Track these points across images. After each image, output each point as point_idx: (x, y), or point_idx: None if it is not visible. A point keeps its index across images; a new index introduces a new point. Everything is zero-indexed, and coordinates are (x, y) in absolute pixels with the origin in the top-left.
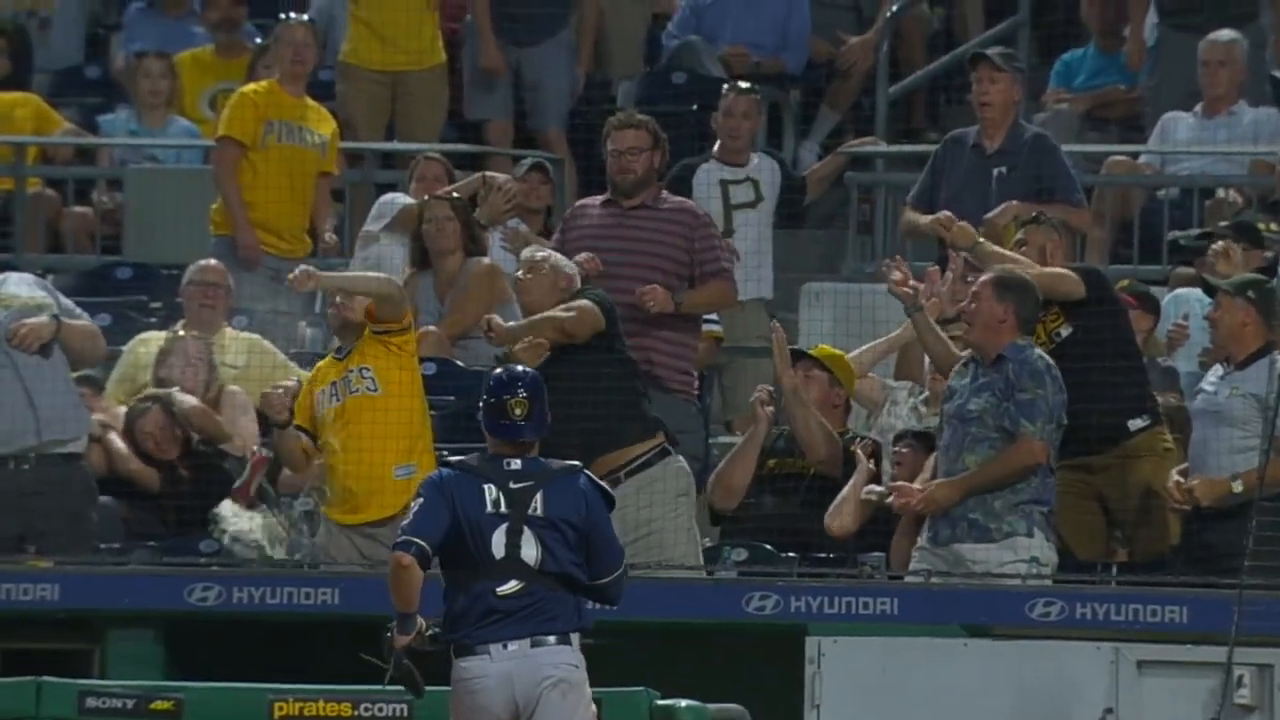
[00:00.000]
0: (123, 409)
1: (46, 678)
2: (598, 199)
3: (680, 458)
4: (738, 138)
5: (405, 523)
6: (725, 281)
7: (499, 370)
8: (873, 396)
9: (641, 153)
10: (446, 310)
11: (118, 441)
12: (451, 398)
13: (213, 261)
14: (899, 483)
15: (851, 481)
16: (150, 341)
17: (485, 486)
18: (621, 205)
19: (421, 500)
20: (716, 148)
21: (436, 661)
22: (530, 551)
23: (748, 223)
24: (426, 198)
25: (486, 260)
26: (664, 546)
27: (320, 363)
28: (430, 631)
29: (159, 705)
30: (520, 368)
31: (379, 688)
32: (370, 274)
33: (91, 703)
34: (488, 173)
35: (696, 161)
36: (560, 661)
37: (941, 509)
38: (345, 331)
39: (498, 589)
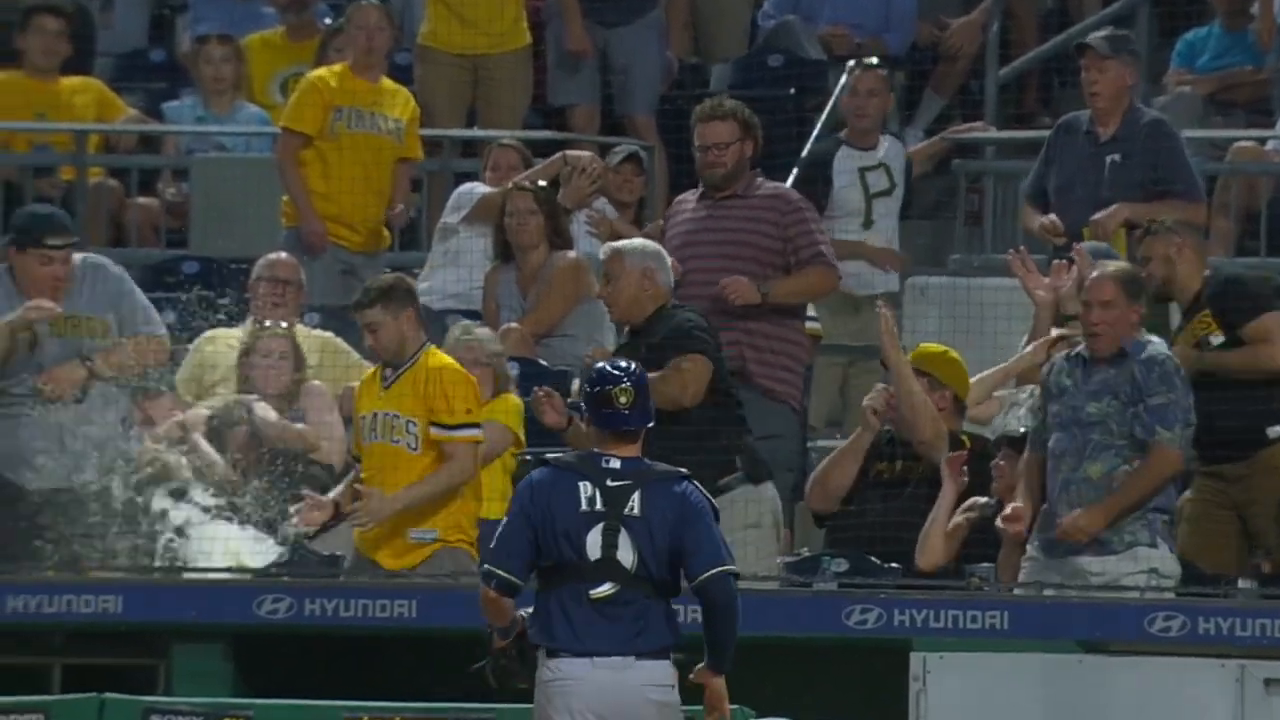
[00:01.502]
0: (204, 410)
1: (109, 694)
2: (695, 192)
3: (754, 487)
4: (865, 117)
5: (492, 545)
6: (822, 268)
7: (600, 363)
8: (987, 414)
9: (730, 146)
10: (529, 306)
11: (203, 444)
12: None
13: (284, 255)
14: (1011, 509)
15: (933, 515)
16: (218, 339)
17: (581, 484)
18: (714, 197)
19: (507, 521)
20: (844, 130)
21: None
22: (627, 554)
23: (884, 213)
24: (510, 185)
25: (571, 254)
26: None
27: (365, 378)
28: (527, 626)
29: None
30: (624, 361)
31: (460, 705)
32: (433, 482)
33: None
34: (568, 152)
35: (829, 148)
36: (658, 681)
37: (1090, 537)
38: (388, 352)
39: (591, 592)
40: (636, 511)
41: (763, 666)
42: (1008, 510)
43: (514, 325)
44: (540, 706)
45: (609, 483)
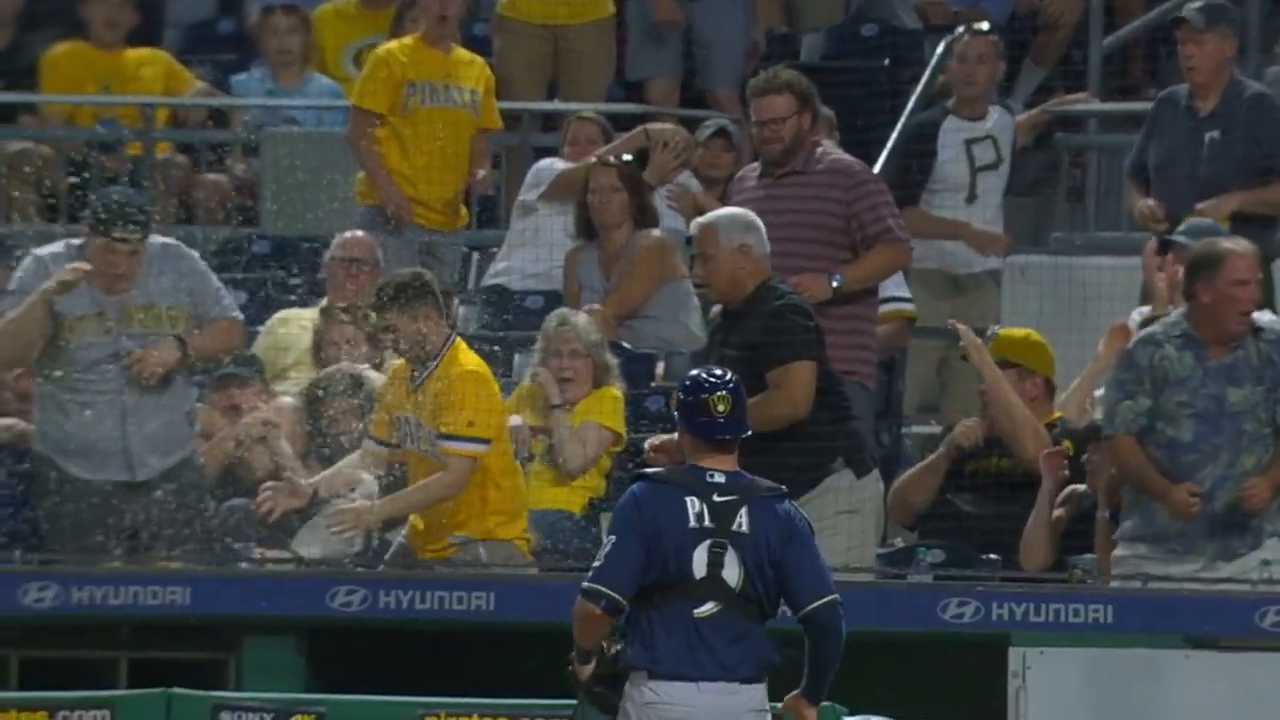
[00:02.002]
0: (287, 398)
1: (177, 689)
2: (755, 167)
3: (850, 473)
4: (974, 84)
5: (596, 563)
6: (891, 245)
7: (695, 371)
8: (1085, 421)
9: (787, 119)
10: (612, 287)
11: (283, 444)
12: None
13: (359, 233)
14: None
15: (1034, 515)
16: (290, 321)
17: (688, 499)
18: (773, 174)
19: (614, 539)
20: (951, 100)
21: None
22: (732, 572)
23: (989, 188)
24: (594, 159)
25: (656, 233)
26: None
27: (393, 375)
28: (612, 651)
29: None
30: (719, 368)
31: (539, 701)
32: (419, 493)
33: (226, 717)
34: (650, 126)
35: (937, 117)
36: (758, 706)
37: (1267, 505)
38: (409, 353)
39: (695, 610)
40: (744, 528)
41: (855, 662)
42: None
43: (596, 307)
44: None
45: (715, 498)
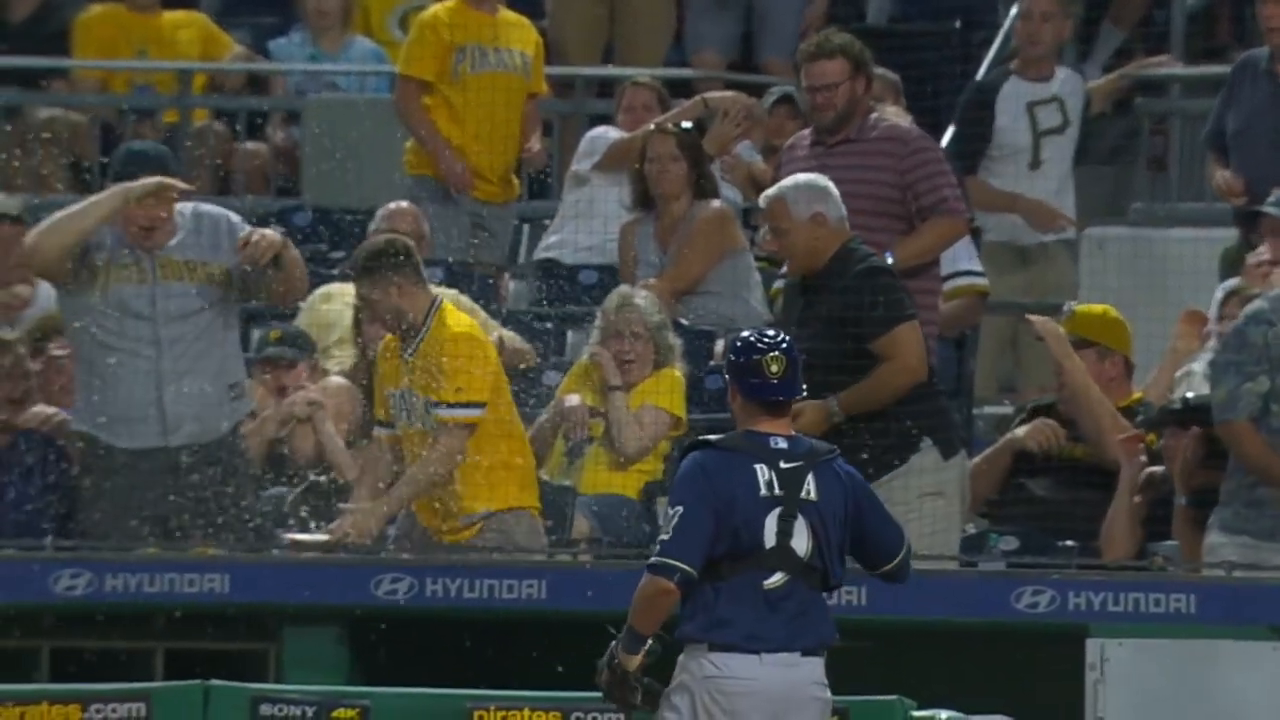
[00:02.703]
0: (335, 379)
1: (215, 681)
2: (806, 135)
3: (936, 452)
4: (1038, 44)
5: (665, 538)
6: (947, 217)
7: (746, 332)
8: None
9: (839, 86)
10: (669, 261)
11: (328, 426)
12: None
13: (405, 204)
14: None
15: (1115, 504)
16: (333, 297)
17: (757, 467)
18: (826, 143)
19: (681, 510)
20: (1015, 62)
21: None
22: (801, 541)
23: (1055, 154)
24: (652, 126)
25: (716, 203)
26: None
27: (382, 350)
28: (649, 646)
29: (342, 713)
30: (771, 329)
31: (592, 695)
32: (417, 478)
33: (266, 710)
34: (709, 94)
35: (996, 79)
36: (820, 679)
37: None
38: (388, 326)
39: (765, 582)
40: (812, 495)
41: (924, 653)
42: None
43: (653, 282)
44: (692, 703)
45: (782, 465)
